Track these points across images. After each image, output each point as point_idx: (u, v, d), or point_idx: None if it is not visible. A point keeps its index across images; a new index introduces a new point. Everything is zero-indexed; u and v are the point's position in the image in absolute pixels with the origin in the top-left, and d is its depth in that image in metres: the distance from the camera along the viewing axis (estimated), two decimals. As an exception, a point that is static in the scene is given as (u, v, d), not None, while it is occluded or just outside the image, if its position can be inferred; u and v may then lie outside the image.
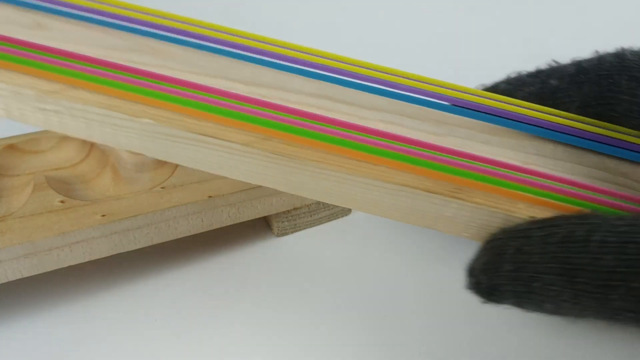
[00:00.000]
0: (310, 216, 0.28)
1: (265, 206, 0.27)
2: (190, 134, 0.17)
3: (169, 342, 0.23)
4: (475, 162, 0.17)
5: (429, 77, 0.20)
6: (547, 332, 0.24)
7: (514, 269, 0.16)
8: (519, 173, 0.17)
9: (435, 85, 0.20)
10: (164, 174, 0.27)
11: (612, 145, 0.19)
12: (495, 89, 0.21)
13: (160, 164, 0.28)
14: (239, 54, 0.20)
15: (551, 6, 0.51)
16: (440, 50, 0.44)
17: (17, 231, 0.23)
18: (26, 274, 0.23)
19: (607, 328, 0.23)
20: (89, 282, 0.26)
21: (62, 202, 0.24)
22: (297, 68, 0.20)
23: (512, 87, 0.20)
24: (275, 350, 0.23)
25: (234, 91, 0.19)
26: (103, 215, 0.24)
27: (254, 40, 0.21)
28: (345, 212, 0.30)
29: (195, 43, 0.21)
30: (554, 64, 0.20)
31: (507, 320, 0.24)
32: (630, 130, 0.19)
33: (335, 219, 0.29)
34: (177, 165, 0.26)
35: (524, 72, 0.20)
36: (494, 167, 0.17)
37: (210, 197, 0.25)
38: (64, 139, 0.28)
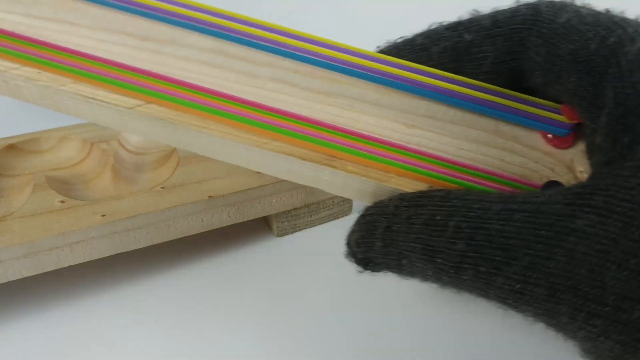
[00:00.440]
0: (310, 216, 0.28)
1: (265, 206, 0.27)
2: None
3: (169, 342, 0.23)
4: (350, 136, 0.18)
5: (329, 39, 0.21)
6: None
7: (383, 245, 0.17)
8: (392, 148, 0.18)
9: (334, 49, 0.20)
10: (164, 174, 0.27)
11: (507, 111, 0.19)
12: (412, 43, 0.20)
13: (160, 164, 0.28)
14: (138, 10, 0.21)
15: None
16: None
17: (17, 231, 0.23)
18: (26, 274, 0.23)
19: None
20: (89, 282, 0.26)
21: (62, 202, 0.24)
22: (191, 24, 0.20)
23: (428, 41, 0.20)
24: (275, 349, 0.23)
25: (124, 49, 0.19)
26: (103, 215, 0.24)
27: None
28: (345, 212, 0.30)
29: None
30: (473, 14, 0.19)
31: (508, 320, 0.24)
32: (528, 97, 0.19)
33: (335, 219, 0.29)
34: (177, 165, 0.26)
35: (443, 24, 0.20)
36: (368, 141, 0.18)
37: (210, 197, 0.25)
38: (64, 138, 0.28)
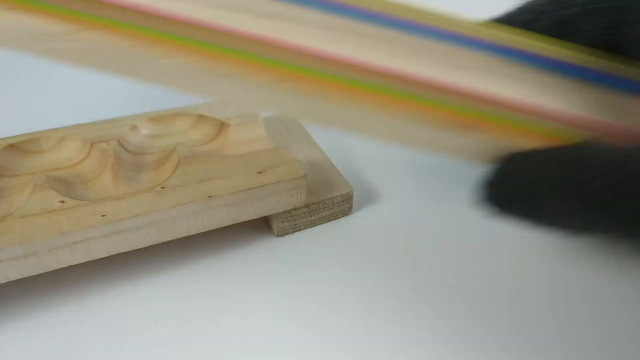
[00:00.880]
0: (310, 216, 0.28)
1: (265, 206, 0.27)
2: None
3: (169, 342, 0.23)
4: (483, 103, 0.18)
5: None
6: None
7: (525, 183, 0.17)
8: (520, 114, 0.18)
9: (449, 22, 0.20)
10: (164, 174, 0.27)
11: (618, 80, 0.19)
12: (512, 18, 0.21)
13: (160, 163, 0.28)
14: None
15: None
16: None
17: (17, 231, 0.23)
18: (26, 274, 0.23)
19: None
20: (89, 282, 0.26)
21: (62, 202, 0.24)
22: None
23: (531, 16, 0.20)
24: (275, 349, 0.23)
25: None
26: (103, 215, 0.24)
27: None
28: (345, 212, 0.30)
29: None
30: None
31: (509, 318, 0.24)
32: None
33: (335, 219, 0.29)
34: (177, 165, 0.26)
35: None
36: (499, 108, 0.19)
37: (210, 197, 0.25)
38: (64, 138, 0.28)
